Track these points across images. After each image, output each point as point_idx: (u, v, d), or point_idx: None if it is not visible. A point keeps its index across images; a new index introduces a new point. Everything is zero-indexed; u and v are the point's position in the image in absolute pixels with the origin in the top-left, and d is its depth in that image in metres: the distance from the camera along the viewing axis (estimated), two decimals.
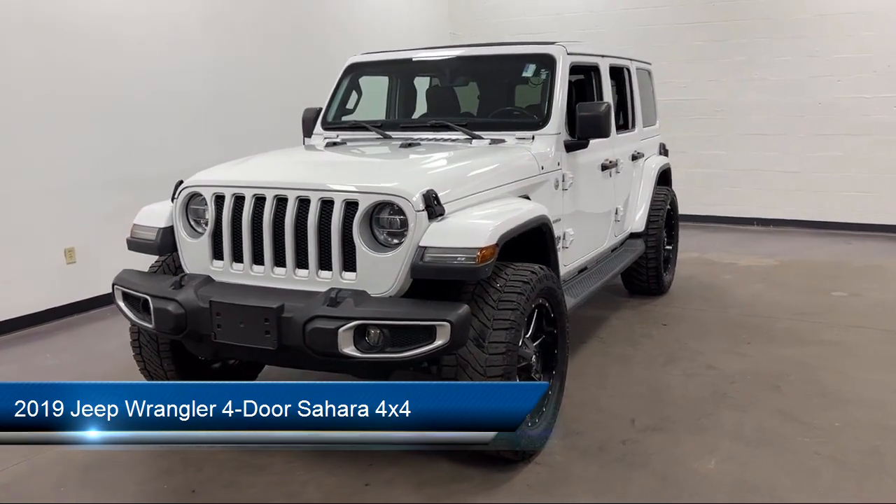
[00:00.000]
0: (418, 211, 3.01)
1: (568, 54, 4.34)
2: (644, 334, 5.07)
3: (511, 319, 3.02)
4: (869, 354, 4.59)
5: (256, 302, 3.04)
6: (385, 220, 3.08)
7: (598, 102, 4.11)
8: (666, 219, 6.07)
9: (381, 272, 3.03)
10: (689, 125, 9.34)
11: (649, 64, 6.36)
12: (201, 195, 3.40)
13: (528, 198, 3.77)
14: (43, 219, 5.44)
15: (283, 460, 3.38)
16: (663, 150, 6.45)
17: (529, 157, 3.85)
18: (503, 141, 4.04)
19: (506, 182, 3.58)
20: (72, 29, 5.52)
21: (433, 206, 3.02)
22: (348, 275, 3.09)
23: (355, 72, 4.84)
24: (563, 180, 4.14)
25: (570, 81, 4.75)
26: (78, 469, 3.36)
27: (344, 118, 4.74)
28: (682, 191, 9.39)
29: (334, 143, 4.19)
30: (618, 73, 5.45)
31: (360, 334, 2.89)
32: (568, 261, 4.31)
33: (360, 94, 4.84)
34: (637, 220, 5.60)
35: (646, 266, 5.73)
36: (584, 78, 4.84)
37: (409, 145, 3.89)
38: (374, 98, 5.16)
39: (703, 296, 6.02)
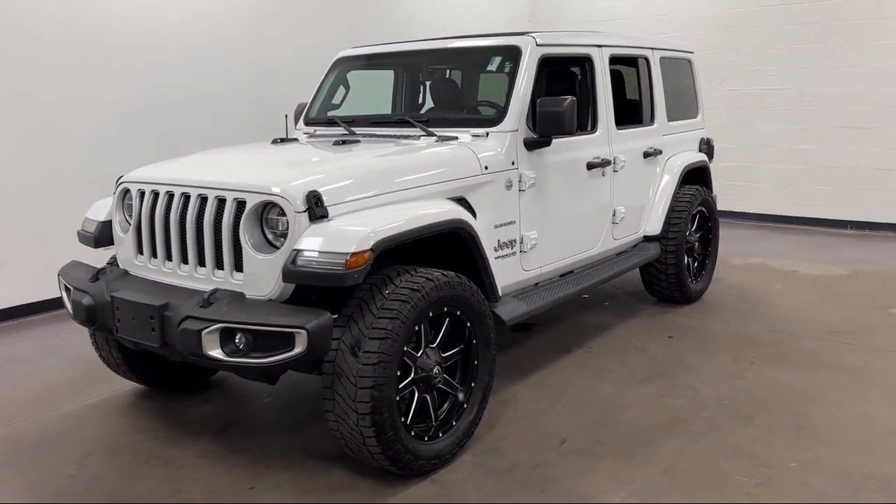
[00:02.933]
0: (298, 212, 2.92)
1: (538, 46, 4.06)
2: (639, 347, 4.69)
3: (388, 329, 2.86)
4: (887, 386, 3.99)
5: (144, 299, 3.09)
6: (273, 220, 3.02)
7: (559, 98, 3.79)
8: (698, 221, 5.60)
9: (263, 274, 2.98)
10: (775, 117, 8.57)
11: (689, 52, 5.85)
12: (131, 191, 3.50)
13: (464, 199, 3.58)
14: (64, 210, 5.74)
15: (194, 455, 3.42)
16: (705, 146, 5.92)
17: (469, 157, 3.63)
18: (456, 138, 3.85)
19: (430, 182, 3.41)
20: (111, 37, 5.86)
21: (314, 208, 2.92)
22: (238, 275, 3.07)
23: (342, 66, 4.80)
24: (521, 180, 3.89)
25: (559, 75, 4.52)
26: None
27: (330, 113, 4.71)
28: (766, 189, 8.71)
29: (283, 140, 4.15)
30: (628, 64, 5.06)
31: (228, 337, 2.86)
32: (532, 265, 4.06)
33: (347, 88, 4.80)
34: (652, 221, 5.18)
35: (665, 272, 5.30)
36: (572, 71, 4.53)
37: (344, 142, 3.79)
38: (375, 92, 5.13)
39: (735, 307, 5.48)
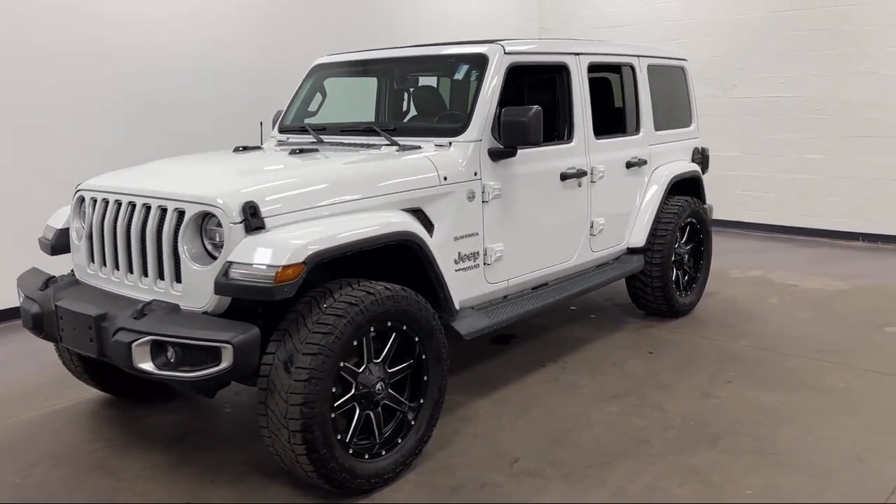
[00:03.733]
0: (233, 223, 2.88)
1: (506, 54, 3.97)
2: (617, 362, 4.57)
3: (320, 344, 2.80)
4: (864, 410, 3.81)
5: (84, 309, 3.07)
6: (211, 231, 2.98)
7: (524, 107, 3.70)
8: (688, 233, 5.45)
9: (199, 286, 2.94)
10: (786, 125, 8.34)
11: (682, 60, 5.70)
12: (85, 199, 3.50)
13: (420, 211, 3.51)
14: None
15: (141, 466, 3.39)
16: (699, 156, 5.77)
17: (426, 167, 3.56)
18: (419, 148, 3.78)
19: (383, 193, 3.34)
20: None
21: (249, 219, 2.87)
22: (179, 286, 3.03)
23: (319, 73, 4.76)
24: (485, 191, 3.80)
25: (538, 83, 4.44)
26: None
27: (307, 121, 4.67)
28: (774, 199, 8.48)
29: (246, 148, 4.11)
30: (611, 72, 4.94)
31: (159, 350, 2.82)
32: (497, 278, 3.97)
33: (324, 95, 4.75)
34: (635, 233, 5.05)
35: (650, 286, 5.16)
36: (547, 79, 4.44)
37: (301, 151, 3.74)
38: (359, 99, 5.08)
39: (725, 322, 5.32)
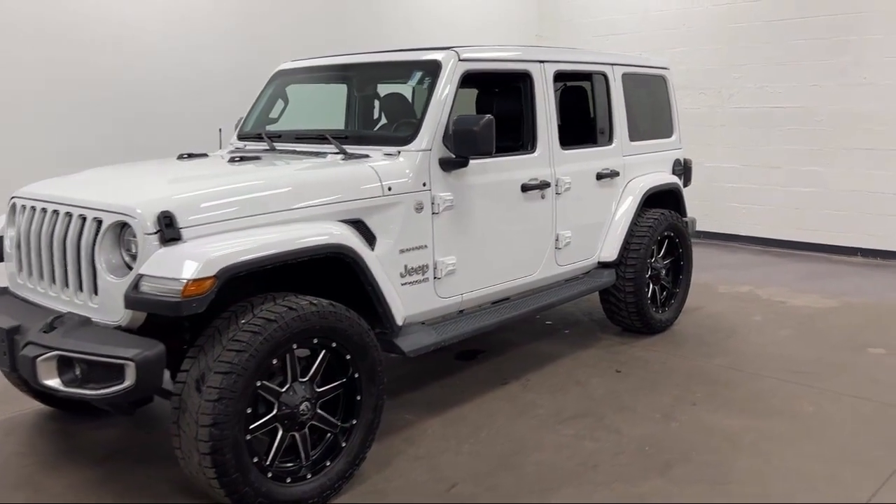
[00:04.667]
0: (147, 233, 2.76)
1: (461, 61, 3.83)
2: (581, 381, 4.39)
3: (233, 363, 2.67)
4: (828, 438, 3.61)
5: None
6: (128, 241, 2.87)
7: (476, 116, 3.56)
8: (666, 247, 5.27)
9: (115, 298, 2.82)
10: (783, 136, 8.12)
11: (663, 68, 5.53)
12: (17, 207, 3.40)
13: (361, 222, 3.37)
14: None
15: (68, 483, 3.28)
16: (679, 167, 5.59)
17: (369, 177, 3.42)
18: (367, 156, 3.65)
19: (318, 203, 3.20)
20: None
21: (164, 229, 2.75)
22: (96, 299, 2.92)
23: (281, 79, 4.65)
24: (434, 203, 3.66)
25: (501, 92, 4.31)
26: None
27: (269, 128, 4.56)
28: (772, 212, 8.24)
29: (191, 155, 3.99)
30: (582, 80, 4.79)
31: (66, 366, 2.71)
32: (449, 292, 3.82)
33: (286, 102, 4.64)
34: (607, 247, 4.88)
35: (624, 301, 4.98)
36: (510, 87, 4.30)
37: (241, 159, 3.62)
38: (332, 106, 4.96)
39: (703, 339, 5.13)
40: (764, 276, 6.96)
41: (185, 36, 6.37)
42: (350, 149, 3.75)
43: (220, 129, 4.62)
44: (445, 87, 3.75)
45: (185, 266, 2.64)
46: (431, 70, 3.82)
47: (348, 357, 3.08)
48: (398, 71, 4.11)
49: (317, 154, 3.77)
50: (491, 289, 4.09)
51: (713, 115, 8.62)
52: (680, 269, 5.43)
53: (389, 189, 3.47)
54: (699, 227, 8.79)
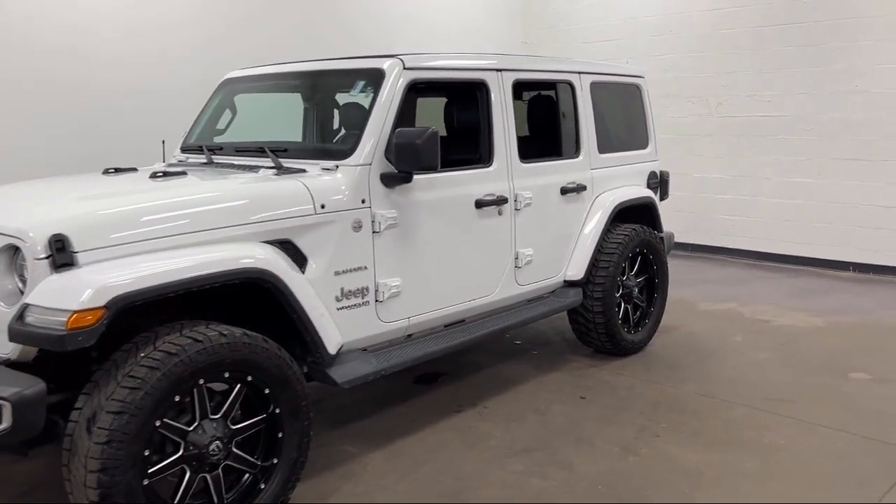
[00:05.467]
0: (38, 258, 2.53)
1: (407, 69, 3.60)
2: (541, 409, 4.14)
3: (125, 401, 2.43)
4: (796, 474, 3.35)
5: None
6: (20, 266, 2.64)
7: (419, 128, 3.33)
8: (639, 264, 5.01)
9: (4, 330, 2.59)
10: (773, 147, 7.87)
11: (638, 77, 5.28)
12: None
13: (289, 243, 3.13)
14: None
15: None
16: (655, 181, 5.33)
17: (299, 193, 3.18)
18: (304, 171, 3.42)
19: (239, 223, 2.96)
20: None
21: (55, 254, 2.52)
22: None
23: (228, 89, 4.42)
24: (375, 221, 3.42)
25: (465, 102, 4.07)
26: None
27: (217, 139, 4.33)
28: (762, 225, 7.97)
29: (118, 170, 3.75)
30: (545, 89, 4.55)
31: None
32: (394, 316, 3.58)
33: (234, 112, 4.41)
34: (573, 265, 4.63)
35: (593, 322, 4.73)
36: (467, 98, 4.06)
37: (165, 174, 3.38)
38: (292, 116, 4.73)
39: (676, 363, 4.86)
40: (750, 293, 6.69)
41: (149, 45, 6.15)
42: (290, 163, 3.53)
43: (163, 142, 4.39)
44: (388, 98, 3.52)
45: (71, 295, 2.41)
46: (374, 79, 3.59)
47: (267, 391, 2.84)
48: (341, 80, 3.88)
49: (252, 168, 3.54)
50: (442, 312, 3.84)
51: (701, 124, 8.37)
52: (654, 287, 5.17)
53: (322, 207, 3.23)
54: (687, 240, 8.61)
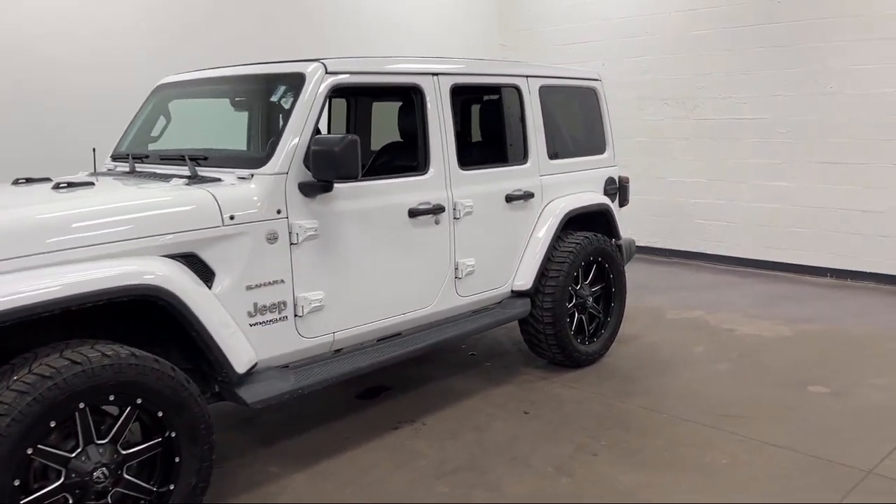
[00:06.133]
0: None
1: (329, 73, 3.45)
2: (481, 425, 3.98)
3: None
4: (740, 494, 3.19)
5: None
6: None
7: (337, 136, 3.18)
8: (595, 273, 4.86)
9: None
10: (750, 150, 7.70)
11: (594, 80, 5.13)
12: None
13: (194, 256, 2.99)
14: None
15: None
16: (613, 187, 5.18)
17: (205, 204, 3.03)
18: (219, 180, 3.27)
19: (132, 237, 2.80)
20: None
21: None
22: None
23: (162, 94, 4.28)
24: (293, 232, 3.27)
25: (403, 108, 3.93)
26: None
27: (151, 146, 4.19)
28: (738, 230, 7.81)
29: (29, 180, 3.60)
30: (489, 93, 4.40)
31: None
32: (316, 331, 3.43)
33: (168, 119, 4.27)
34: (520, 275, 4.48)
35: (543, 332, 4.57)
36: (405, 103, 3.92)
37: (70, 185, 3.21)
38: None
39: (630, 375, 4.70)
40: (720, 300, 6.52)
41: (100, 47, 6.01)
42: (209, 171, 3.39)
43: (93, 149, 4.24)
44: (308, 103, 3.37)
45: None
46: (295, 83, 3.44)
47: (160, 414, 2.69)
48: (265, 85, 3.73)
49: (167, 178, 3.39)
50: (373, 325, 3.69)
51: (677, 126, 8.21)
52: (611, 296, 5.01)
53: (232, 218, 3.09)
54: (663, 245, 8.44)
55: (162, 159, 3.81)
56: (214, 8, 6.66)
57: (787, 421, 3.95)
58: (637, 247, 8.47)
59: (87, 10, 5.94)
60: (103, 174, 3.90)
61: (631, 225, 8.58)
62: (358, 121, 5.47)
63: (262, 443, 3.83)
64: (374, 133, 5.50)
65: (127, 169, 3.82)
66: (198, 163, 3.51)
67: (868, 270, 7.05)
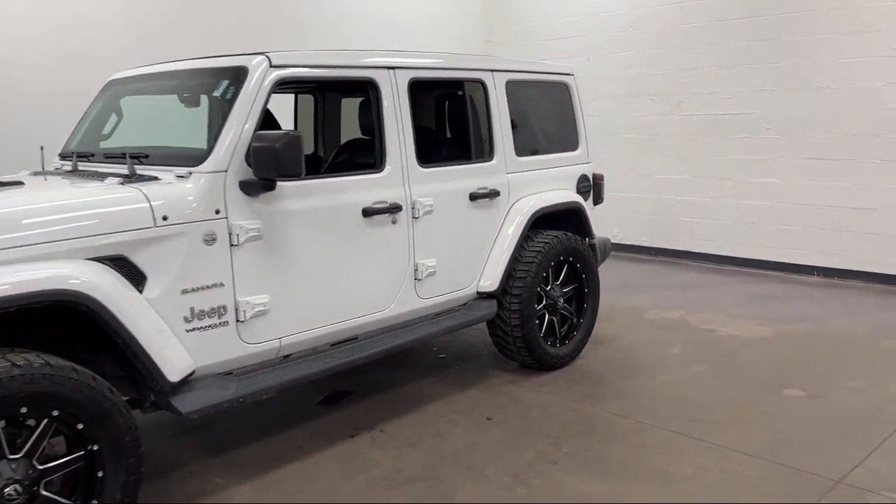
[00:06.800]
0: None
1: (273, 67, 3.31)
2: (441, 432, 3.84)
3: None
4: None
5: None
6: None
7: (278, 132, 3.05)
8: (567, 273, 4.71)
9: None
10: (736, 146, 7.54)
11: (566, 74, 4.98)
12: None
13: (124, 259, 2.84)
14: None
15: None
16: (586, 184, 5.02)
17: (135, 204, 2.89)
18: (156, 178, 3.13)
19: (52, 239, 2.66)
20: None
21: None
22: None
23: (113, 90, 4.15)
24: (233, 233, 3.13)
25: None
26: None
27: (103, 144, 4.05)
28: (725, 228, 7.65)
29: None
30: (453, 88, 4.26)
31: None
32: (261, 336, 3.28)
33: (120, 116, 4.13)
34: (486, 276, 4.33)
35: (511, 335, 4.43)
36: (361, 98, 3.78)
37: (2, 185, 3.09)
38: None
39: (602, 377, 4.55)
40: (703, 299, 6.36)
41: (68, 43, 5.87)
42: (149, 169, 3.25)
43: (41, 147, 4.11)
44: (250, 97, 3.23)
45: None
46: (238, 77, 3.29)
47: (80, 427, 2.55)
48: (209, 79, 3.58)
49: (104, 176, 3.25)
50: (324, 330, 3.55)
51: (663, 122, 8.05)
52: (584, 297, 4.85)
53: (165, 218, 2.95)
54: (650, 244, 8.29)
55: (106, 157, 3.67)
56: (192, 3, 6.53)
57: (758, 427, 3.80)
58: (624, 245, 8.43)
59: (58, 4, 5.80)
60: (50, 173, 3.77)
61: (617, 223, 8.49)
62: (326, 117, 5.32)
63: (211, 451, 3.69)
64: (344, 130, 5.35)
65: (70, 168, 3.68)
66: (140, 161, 3.38)
67: (857, 269, 6.89)
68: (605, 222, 8.49)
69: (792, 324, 5.56)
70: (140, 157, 3.38)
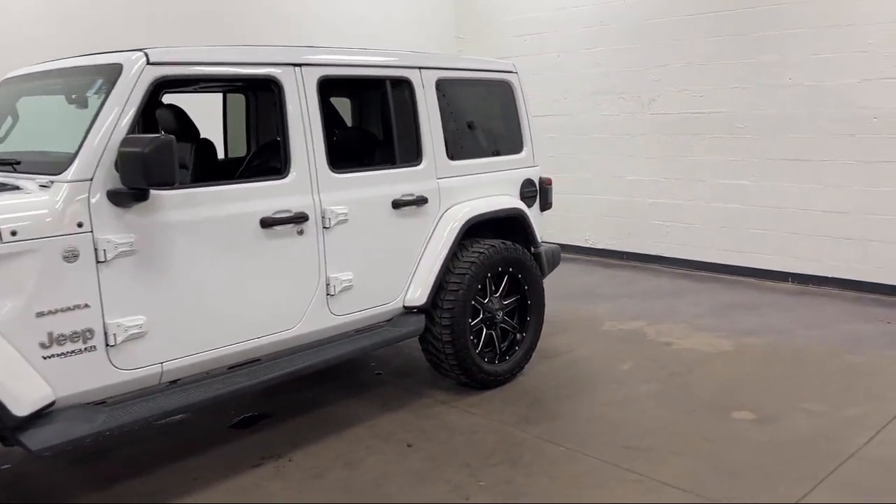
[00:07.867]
0: None
1: (151, 64, 3.00)
2: (353, 462, 3.53)
3: None
4: None
5: None
6: None
7: (149, 136, 2.74)
8: (508, 285, 4.38)
9: None
10: (707, 146, 7.23)
11: (509, 72, 4.66)
12: None
13: None
14: None
15: None
16: (531, 189, 4.71)
17: None
18: (17, 188, 2.83)
19: None
20: None
21: None
22: None
23: (8, 90, 3.84)
24: (100, 249, 2.82)
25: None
26: None
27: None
28: (697, 231, 7.33)
29: None
30: (372, 87, 3.94)
31: None
32: (136, 361, 2.98)
33: (15, 118, 3.83)
34: (413, 289, 4.02)
35: (442, 352, 4.12)
36: (265, 97, 3.46)
37: None
38: None
39: (541, 397, 4.24)
40: (667, 308, 6.05)
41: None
42: (14, 178, 2.95)
43: None
44: (121, 98, 2.92)
45: None
46: (112, 76, 2.99)
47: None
48: (85, 78, 3.28)
49: None
50: (217, 352, 3.24)
51: (634, 122, 7.74)
52: (527, 310, 4.53)
53: (13, 234, 2.64)
54: (620, 248, 7.97)
55: None
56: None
57: (697, 455, 3.49)
58: (594, 250, 8.11)
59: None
60: None
61: (588, 226, 8.17)
62: (259, 119, 5.01)
63: (99, 484, 3.39)
64: (271, 132, 5.04)
65: None
66: (14, 168, 3.08)
67: (830, 276, 6.57)
68: (575, 226, 8.22)
69: (755, 336, 5.24)
70: (13, 163, 3.07)
